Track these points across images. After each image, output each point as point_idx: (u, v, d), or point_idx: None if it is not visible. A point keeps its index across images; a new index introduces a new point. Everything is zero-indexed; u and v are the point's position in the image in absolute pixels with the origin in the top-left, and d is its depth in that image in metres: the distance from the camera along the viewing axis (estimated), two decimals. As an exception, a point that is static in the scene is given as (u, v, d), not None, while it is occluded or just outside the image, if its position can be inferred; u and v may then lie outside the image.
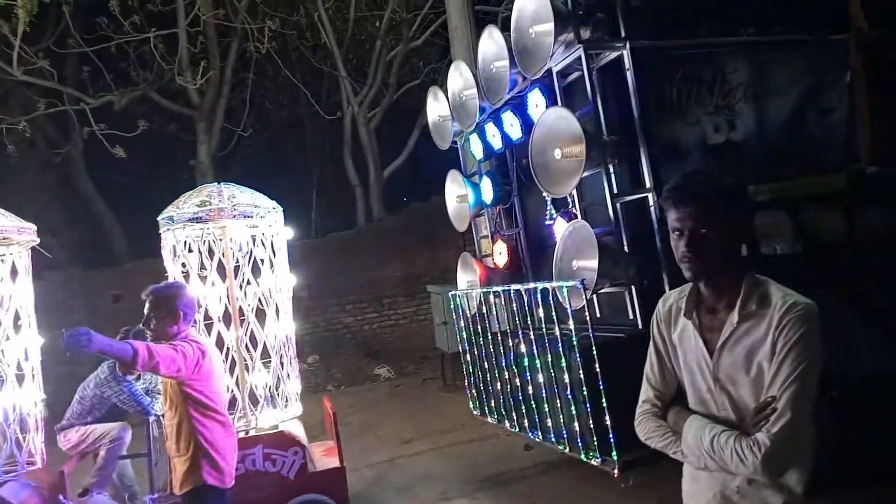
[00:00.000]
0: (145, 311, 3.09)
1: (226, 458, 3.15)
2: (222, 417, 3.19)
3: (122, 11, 10.34)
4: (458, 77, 5.33)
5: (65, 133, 12.46)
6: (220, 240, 4.27)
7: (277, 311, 4.45)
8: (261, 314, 4.37)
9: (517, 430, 4.62)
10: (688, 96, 4.07)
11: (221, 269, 4.24)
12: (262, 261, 4.44)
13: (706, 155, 4.09)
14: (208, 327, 4.24)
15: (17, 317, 4.05)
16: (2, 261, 4.04)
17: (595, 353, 3.60)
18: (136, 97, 11.81)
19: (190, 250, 4.32)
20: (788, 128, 4.43)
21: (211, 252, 4.27)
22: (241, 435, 4.14)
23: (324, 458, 4.53)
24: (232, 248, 4.27)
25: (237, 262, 4.32)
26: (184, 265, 4.26)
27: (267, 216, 4.35)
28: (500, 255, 5.43)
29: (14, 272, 4.05)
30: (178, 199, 4.22)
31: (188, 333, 3.18)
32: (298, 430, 4.37)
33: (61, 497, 3.98)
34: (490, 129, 5.07)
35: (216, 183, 4.34)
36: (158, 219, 4.23)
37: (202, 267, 4.27)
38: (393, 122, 14.81)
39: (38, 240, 4.14)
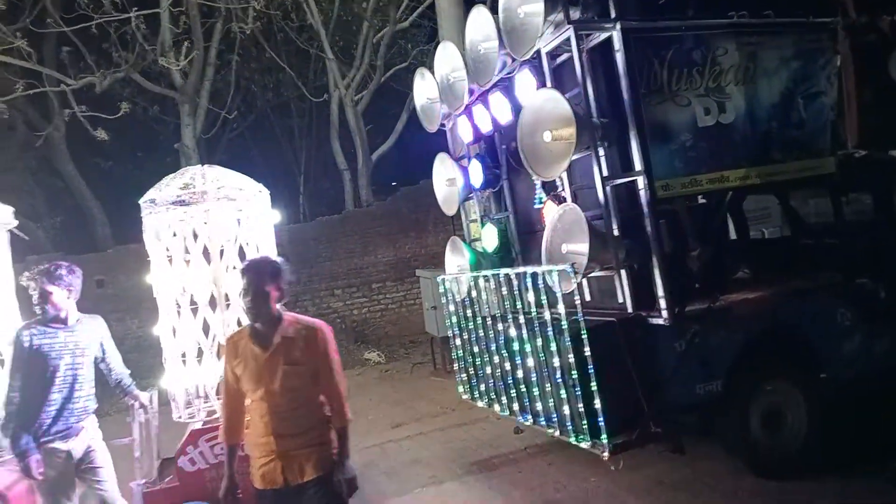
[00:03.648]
0: (243, 288, 2.72)
1: None
2: None
3: (103, -10, 10.10)
4: (446, 58, 5.25)
5: (45, 115, 12.22)
6: (205, 223, 4.20)
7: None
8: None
9: (507, 413, 4.62)
10: (678, 78, 4.02)
11: (206, 253, 4.17)
12: (248, 245, 4.37)
13: (696, 137, 4.06)
14: (194, 311, 4.18)
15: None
16: (-21, 244, 3.95)
17: (585, 336, 3.59)
18: (119, 79, 11.58)
19: (174, 234, 4.25)
20: (778, 111, 4.40)
21: (195, 235, 4.19)
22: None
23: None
24: (216, 232, 4.20)
25: (222, 245, 4.25)
26: (167, 249, 4.19)
27: (252, 199, 4.28)
28: (489, 238, 5.40)
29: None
30: (160, 182, 4.14)
31: (293, 314, 2.85)
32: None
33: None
34: (478, 111, 5.01)
35: (200, 165, 4.26)
36: (140, 202, 4.15)
37: (186, 251, 4.20)
38: (381, 105, 14.70)
39: (16, 222, 4.05)
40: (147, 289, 4.37)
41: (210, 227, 4.15)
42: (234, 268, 4.32)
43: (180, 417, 4.28)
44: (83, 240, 12.82)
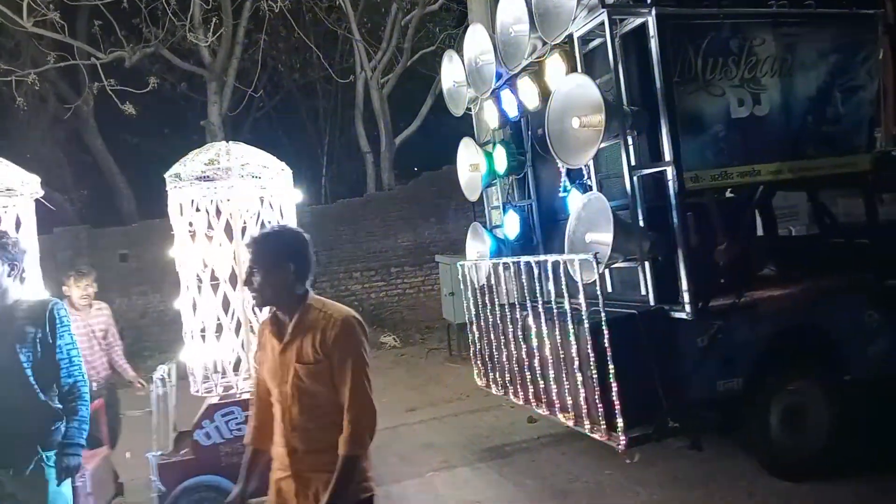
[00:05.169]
0: (248, 265, 2.18)
1: None
2: None
3: (135, -35, 10.15)
4: (475, 41, 5.17)
5: (75, 88, 12.35)
6: (228, 200, 4.20)
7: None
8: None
9: (522, 402, 4.59)
10: (713, 67, 3.92)
11: (229, 229, 4.19)
12: (270, 223, 4.38)
13: (728, 128, 3.96)
14: (215, 288, 4.20)
15: (22, 270, 4.00)
16: (5, 212, 4.00)
17: (605, 328, 3.54)
18: (148, 54, 11.65)
19: (197, 209, 4.26)
20: (815, 105, 4.28)
21: (218, 212, 4.20)
22: (247, 396, 4.14)
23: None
24: (239, 209, 4.20)
25: (244, 223, 4.26)
26: (191, 224, 4.21)
27: (276, 178, 4.28)
28: (510, 226, 5.35)
29: (18, 224, 4.01)
30: (185, 157, 4.15)
31: (320, 299, 2.23)
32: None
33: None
34: (506, 95, 4.94)
35: (225, 142, 4.26)
36: (165, 176, 4.16)
37: (209, 227, 4.22)
38: (406, 89, 14.62)
39: (42, 192, 4.08)
40: (170, 263, 4.39)
41: (233, 203, 4.15)
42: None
43: (198, 391, 4.32)
44: (109, 213, 13.00)
